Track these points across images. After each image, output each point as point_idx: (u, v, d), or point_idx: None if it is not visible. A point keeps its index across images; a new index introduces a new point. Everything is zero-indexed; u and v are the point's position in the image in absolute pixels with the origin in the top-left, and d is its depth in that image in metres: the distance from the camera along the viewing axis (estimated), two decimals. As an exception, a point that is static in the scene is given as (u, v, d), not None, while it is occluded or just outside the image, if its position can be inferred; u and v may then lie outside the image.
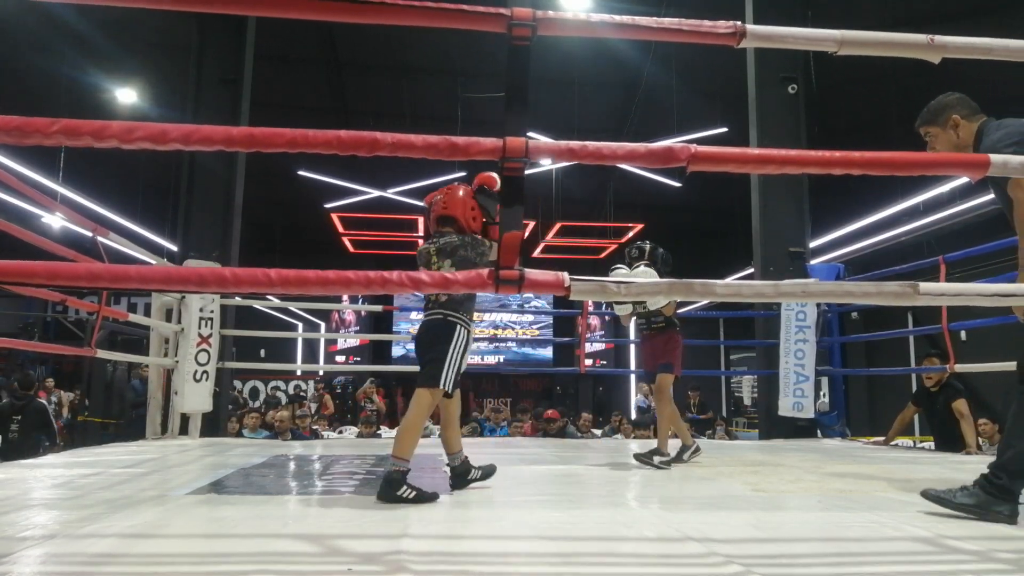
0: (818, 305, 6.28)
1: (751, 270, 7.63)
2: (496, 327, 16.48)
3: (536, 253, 14.19)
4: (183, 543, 2.03)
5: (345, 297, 15.70)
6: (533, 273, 1.70)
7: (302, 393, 15.34)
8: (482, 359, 16.54)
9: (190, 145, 1.62)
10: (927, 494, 2.48)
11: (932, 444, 6.00)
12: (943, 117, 2.60)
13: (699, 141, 9.33)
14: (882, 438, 6.07)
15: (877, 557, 1.96)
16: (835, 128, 10.09)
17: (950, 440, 5.38)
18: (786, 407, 6.24)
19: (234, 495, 2.81)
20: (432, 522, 2.33)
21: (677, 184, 12.06)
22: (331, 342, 18.72)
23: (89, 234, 4.54)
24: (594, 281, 1.77)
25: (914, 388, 9.87)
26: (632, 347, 18.00)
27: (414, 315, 16.43)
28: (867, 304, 6.00)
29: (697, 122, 10.31)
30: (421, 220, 13.24)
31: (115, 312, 5.95)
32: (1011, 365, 2.51)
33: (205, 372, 5.55)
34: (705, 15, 1.92)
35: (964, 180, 8.05)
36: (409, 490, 2.66)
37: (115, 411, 10.86)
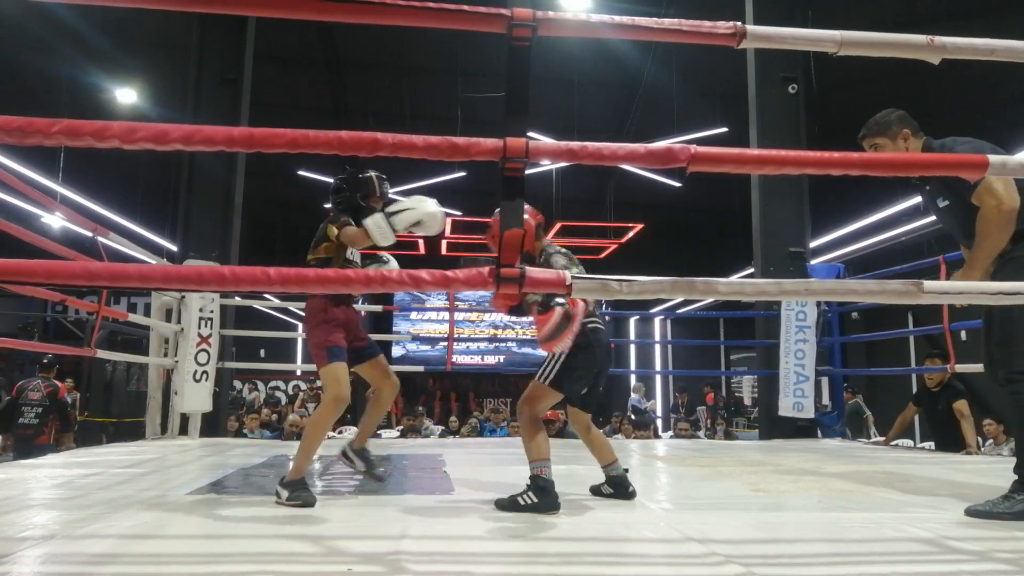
0: (818, 305, 6.28)
1: (751, 270, 7.62)
2: (496, 327, 16.46)
3: (536, 253, 14.17)
4: (183, 543, 2.03)
5: (345, 297, 15.65)
6: (534, 272, 1.70)
7: (300, 392, 15.35)
8: (482, 359, 16.53)
9: (191, 146, 1.62)
10: (973, 512, 2.43)
11: (932, 444, 6.01)
12: (893, 130, 2.68)
13: (699, 141, 9.33)
14: (882, 438, 6.07)
15: (877, 557, 1.96)
16: (835, 128, 10.09)
17: (951, 440, 5.38)
18: (786, 407, 6.24)
19: (234, 495, 2.81)
20: (432, 522, 2.33)
21: (677, 184, 12.07)
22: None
23: (89, 234, 4.54)
24: (595, 279, 1.77)
25: (914, 388, 9.88)
26: (632, 347, 18.02)
27: (414, 315, 16.44)
28: (868, 303, 6.00)
29: (697, 122, 10.32)
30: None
31: (115, 312, 5.96)
32: None
33: (205, 372, 5.55)
34: (705, 15, 1.91)
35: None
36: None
37: (115, 411, 10.85)
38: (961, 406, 5.28)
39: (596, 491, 2.86)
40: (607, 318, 2.60)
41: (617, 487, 2.80)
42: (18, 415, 6.40)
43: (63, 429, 6.68)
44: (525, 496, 2.52)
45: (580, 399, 2.81)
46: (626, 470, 2.85)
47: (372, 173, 3.00)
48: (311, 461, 2.67)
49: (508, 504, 2.55)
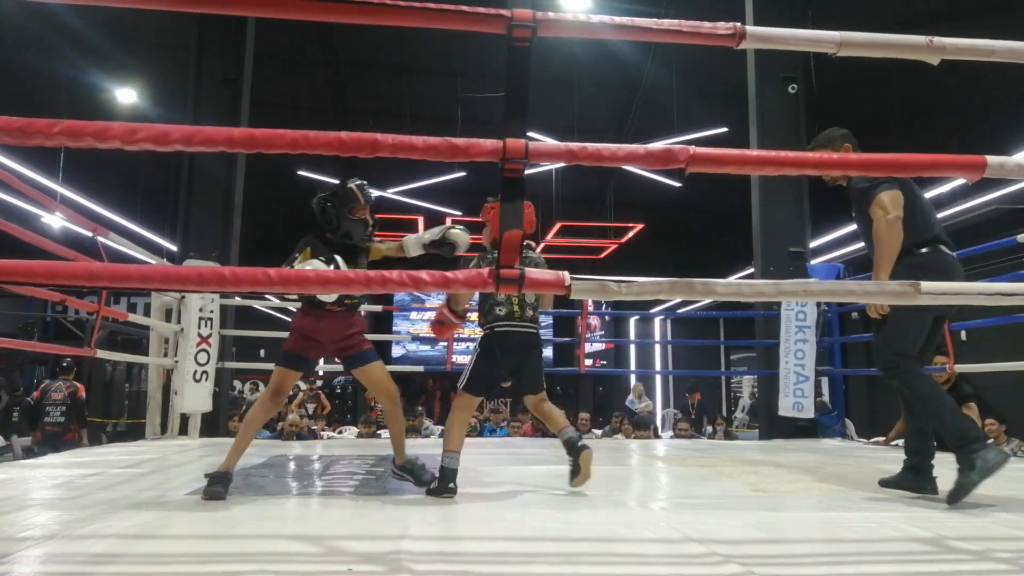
0: (818, 305, 6.28)
1: (751, 270, 7.62)
2: (496, 327, 16.45)
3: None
4: (183, 543, 2.03)
5: (345, 297, 15.67)
6: (533, 272, 1.70)
7: (301, 391, 15.33)
8: (482, 359, 16.51)
9: (192, 146, 1.62)
10: (884, 483, 2.97)
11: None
12: (837, 144, 3.07)
13: (699, 141, 9.33)
14: (882, 438, 6.07)
15: (877, 557, 1.96)
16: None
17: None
18: (786, 407, 6.24)
19: (234, 495, 2.81)
20: (432, 522, 2.33)
21: (677, 184, 12.07)
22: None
23: (89, 234, 4.54)
24: (595, 280, 1.77)
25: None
26: (632, 348, 18.02)
27: (414, 315, 16.43)
28: (867, 304, 5.99)
29: (697, 122, 10.32)
30: (421, 220, 13.27)
31: (115, 312, 5.95)
32: (1013, 365, 2.63)
33: (205, 372, 5.55)
34: (705, 16, 1.92)
35: (963, 181, 8.02)
36: None
37: (114, 411, 10.86)
38: (970, 408, 5.27)
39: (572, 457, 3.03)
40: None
41: (570, 447, 2.99)
42: (43, 415, 7.02)
43: (80, 426, 7.27)
44: (434, 482, 2.87)
45: (497, 392, 3.24)
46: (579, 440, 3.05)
47: (352, 184, 3.04)
48: (241, 453, 2.89)
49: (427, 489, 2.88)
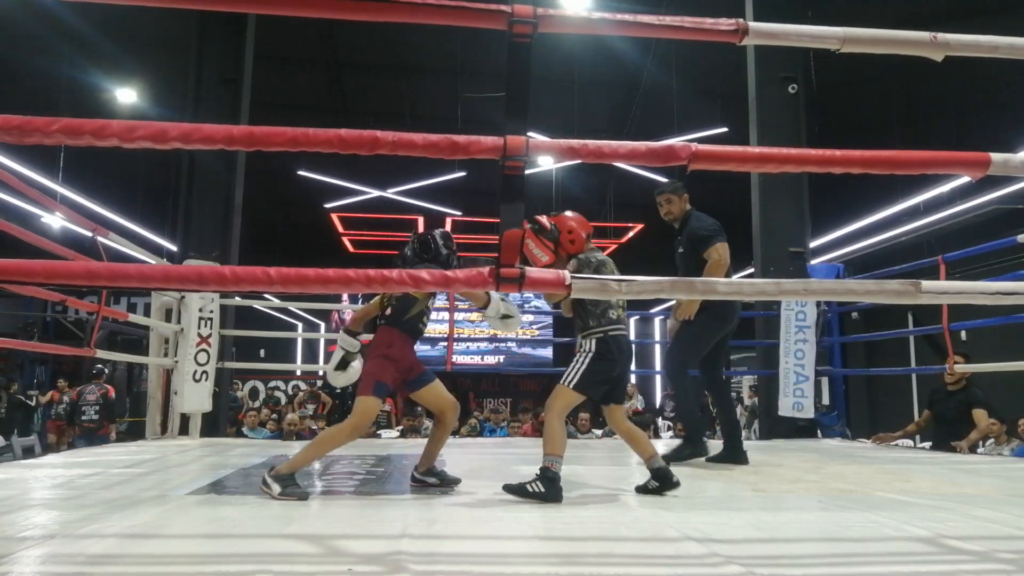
0: (818, 305, 6.27)
1: (751, 270, 7.62)
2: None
3: (536, 253, 14.15)
4: (183, 543, 2.03)
5: (345, 297, 15.69)
6: (534, 271, 1.70)
7: (301, 391, 15.34)
8: (482, 359, 16.52)
9: (191, 144, 1.62)
10: (710, 459, 3.89)
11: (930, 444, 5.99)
12: (680, 192, 4.07)
13: (699, 141, 9.29)
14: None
15: (877, 557, 1.95)
16: (835, 128, 10.10)
17: (952, 438, 5.38)
18: (786, 407, 6.23)
19: (234, 495, 2.81)
20: (432, 522, 2.33)
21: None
22: (331, 342, 18.72)
23: (89, 234, 4.54)
24: (595, 279, 1.76)
25: (914, 388, 9.84)
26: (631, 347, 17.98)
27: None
28: (868, 303, 6.00)
29: (697, 122, 10.31)
30: (421, 220, 13.26)
31: (115, 312, 5.95)
32: (1013, 365, 2.62)
33: (205, 372, 5.54)
34: (705, 13, 1.91)
35: (963, 180, 8.06)
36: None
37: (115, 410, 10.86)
38: (980, 415, 5.26)
39: (643, 489, 2.90)
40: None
41: (663, 480, 2.85)
42: (80, 414, 8.41)
43: (110, 421, 8.75)
44: (533, 484, 2.68)
45: (604, 397, 3.03)
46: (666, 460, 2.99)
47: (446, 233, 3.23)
48: (307, 465, 2.88)
49: (516, 489, 2.70)
